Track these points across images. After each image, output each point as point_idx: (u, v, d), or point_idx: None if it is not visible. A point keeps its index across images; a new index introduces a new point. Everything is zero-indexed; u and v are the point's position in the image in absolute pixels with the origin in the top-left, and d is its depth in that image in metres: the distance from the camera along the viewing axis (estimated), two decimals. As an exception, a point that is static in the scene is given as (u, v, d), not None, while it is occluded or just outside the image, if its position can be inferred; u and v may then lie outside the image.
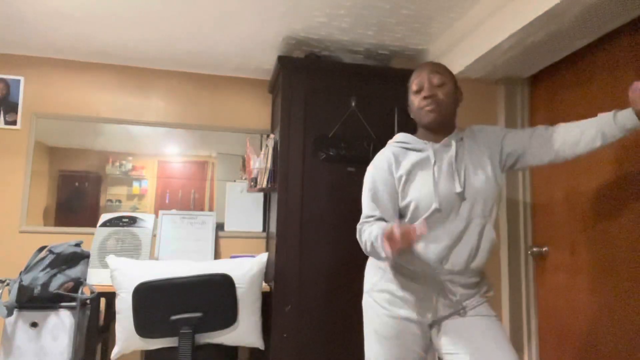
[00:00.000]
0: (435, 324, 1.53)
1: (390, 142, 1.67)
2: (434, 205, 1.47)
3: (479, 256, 1.50)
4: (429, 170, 1.52)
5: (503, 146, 1.59)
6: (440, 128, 1.57)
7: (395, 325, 1.53)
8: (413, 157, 1.56)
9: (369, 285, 1.63)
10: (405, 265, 1.53)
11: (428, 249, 1.49)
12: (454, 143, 1.55)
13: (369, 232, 1.48)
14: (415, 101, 1.58)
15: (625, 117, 1.38)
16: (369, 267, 1.67)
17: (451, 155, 1.54)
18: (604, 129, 1.41)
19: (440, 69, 1.57)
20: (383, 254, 1.40)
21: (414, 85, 1.58)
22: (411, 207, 1.51)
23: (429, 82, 1.54)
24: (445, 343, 1.50)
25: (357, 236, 1.56)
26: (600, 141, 1.43)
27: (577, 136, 1.46)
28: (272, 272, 2.39)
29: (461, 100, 1.63)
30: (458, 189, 1.48)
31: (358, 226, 1.57)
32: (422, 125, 1.59)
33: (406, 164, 1.54)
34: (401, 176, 1.53)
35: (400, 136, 1.65)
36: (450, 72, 1.59)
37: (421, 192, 1.50)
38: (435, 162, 1.53)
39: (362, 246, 1.53)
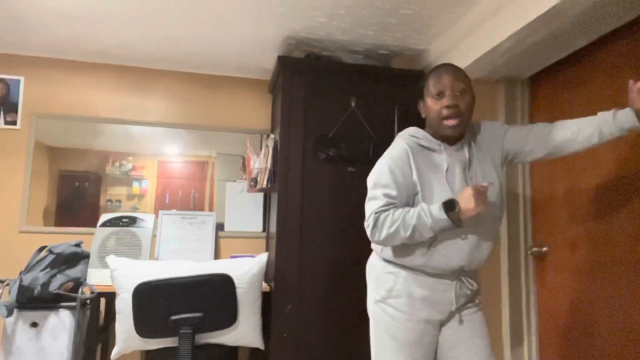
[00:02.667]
0: (453, 315, 1.55)
1: (403, 134, 1.61)
2: None
3: (486, 261, 1.57)
4: (443, 177, 1.50)
5: (503, 144, 1.60)
6: (458, 136, 1.54)
7: (416, 329, 1.51)
8: (427, 158, 1.52)
9: (383, 293, 1.56)
10: (424, 269, 1.52)
11: (451, 257, 1.48)
12: (466, 148, 1.54)
13: (400, 214, 1.43)
14: (435, 107, 1.50)
15: (624, 117, 1.38)
16: (376, 275, 1.62)
17: (463, 161, 1.53)
18: (602, 127, 1.42)
19: (462, 76, 1.51)
20: (442, 223, 1.39)
21: (433, 89, 1.50)
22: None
23: (452, 89, 1.47)
24: (459, 333, 1.54)
25: (372, 225, 1.47)
26: (597, 139, 1.44)
27: (575, 133, 1.48)
28: (272, 272, 2.39)
29: (474, 107, 1.56)
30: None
31: (374, 214, 1.47)
32: (438, 134, 1.54)
33: (420, 165, 1.50)
34: (417, 176, 1.49)
35: (413, 130, 1.59)
36: (469, 79, 1.53)
37: (439, 196, 1.46)
38: (448, 168, 1.51)
39: (385, 232, 1.44)
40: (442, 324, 1.55)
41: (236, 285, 2.04)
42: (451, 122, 1.47)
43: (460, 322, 1.53)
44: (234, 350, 2.32)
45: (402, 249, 1.53)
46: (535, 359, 2.30)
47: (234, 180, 2.96)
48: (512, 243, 2.36)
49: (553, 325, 2.20)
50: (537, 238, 2.34)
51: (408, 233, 1.42)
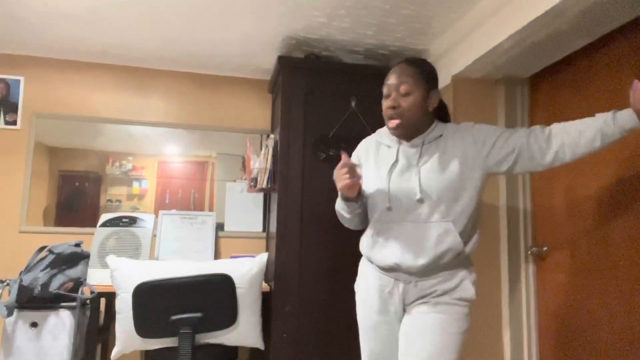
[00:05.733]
0: (406, 310, 1.55)
1: (377, 131, 1.75)
2: (385, 204, 1.54)
3: (436, 261, 1.47)
4: (386, 171, 1.57)
5: (494, 148, 1.51)
6: (407, 134, 1.58)
7: (371, 318, 1.58)
8: (380, 153, 1.64)
9: (356, 282, 1.70)
10: (372, 261, 1.60)
11: (384, 254, 1.53)
12: (420, 144, 1.56)
13: None
14: (383, 106, 1.58)
15: (624, 117, 1.35)
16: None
17: (414, 156, 1.55)
18: (603, 129, 1.38)
19: (407, 77, 1.52)
20: (341, 200, 1.60)
21: (384, 88, 1.57)
22: (369, 203, 1.62)
23: (396, 90, 1.53)
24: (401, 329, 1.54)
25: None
26: (599, 142, 1.39)
27: (576, 137, 1.42)
28: (272, 272, 2.39)
29: (435, 105, 1.57)
30: (417, 195, 1.49)
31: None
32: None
33: (371, 160, 1.65)
34: (363, 170, 1.66)
35: (382, 129, 1.72)
36: (418, 78, 1.53)
37: (377, 189, 1.57)
38: (397, 161, 1.57)
39: (339, 217, 1.72)
40: (399, 317, 1.55)
41: (236, 285, 2.04)
42: (391, 124, 1.54)
43: (412, 318, 1.50)
44: (234, 350, 2.32)
45: (361, 239, 1.68)
46: (535, 359, 2.30)
47: (234, 180, 2.97)
48: (512, 243, 2.36)
49: (553, 325, 2.21)
50: (537, 238, 2.34)
51: (340, 217, 1.71)
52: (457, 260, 1.51)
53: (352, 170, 1.48)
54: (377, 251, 1.56)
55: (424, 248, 1.48)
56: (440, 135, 1.57)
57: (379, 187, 1.57)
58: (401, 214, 1.52)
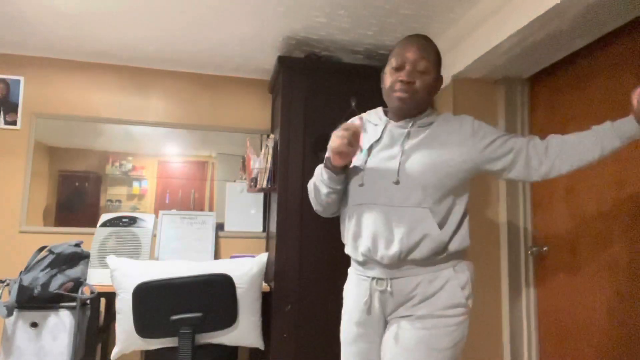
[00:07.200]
0: (388, 322, 1.43)
1: (369, 111, 1.62)
2: (358, 182, 1.42)
3: (409, 250, 1.34)
4: (368, 146, 1.45)
5: (492, 145, 1.43)
6: (403, 113, 1.46)
7: (352, 331, 1.48)
8: (366, 131, 1.51)
9: (344, 288, 1.59)
10: (353, 257, 1.48)
11: (357, 239, 1.43)
12: (409, 125, 1.44)
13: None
14: (390, 79, 1.43)
15: (625, 125, 1.31)
16: None
17: (400, 137, 1.44)
18: (602, 138, 1.34)
19: (428, 54, 1.42)
20: (324, 169, 1.42)
21: (394, 60, 1.43)
22: (347, 187, 1.48)
23: (413, 65, 1.39)
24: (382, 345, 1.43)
25: (309, 193, 1.58)
26: (598, 152, 1.34)
27: (575, 146, 1.37)
28: (272, 272, 2.39)
29: (439, 89, 1.50)
30: (394, 177, 1.37)
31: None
32: (388, 105, 1.49)
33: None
34: None
35: (372, 110, 1.60)
36: (437, 58, 1.45)
37: (355, 167, 1.45)
38: (379, 139, 1.45)
39: (311, 195, 1.55)
40: (381, 329, 1.42)
41: (236, 285, 2.04)
42: (400, 94, 1.40)
43: (393, 335, 1.36)
44: (234, 350, 2.32)
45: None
46: (535, 359, 2.30)
47: (234, 180, 2.97)
48: (512, 243, 2.36)
49: (553, 325, 2.21)
50: (537, 238, 2.34)
51: (312, 193, 1.52)
52: (439, 258, 1.36)
53: (355, 137, 1.31)
54: (351, 239, 1.45)
55: (395, 234, 1.34)
56: (431, 123, 1.46)
57: (357, 165, 1.44)
58: (373, 194, 1.39)
